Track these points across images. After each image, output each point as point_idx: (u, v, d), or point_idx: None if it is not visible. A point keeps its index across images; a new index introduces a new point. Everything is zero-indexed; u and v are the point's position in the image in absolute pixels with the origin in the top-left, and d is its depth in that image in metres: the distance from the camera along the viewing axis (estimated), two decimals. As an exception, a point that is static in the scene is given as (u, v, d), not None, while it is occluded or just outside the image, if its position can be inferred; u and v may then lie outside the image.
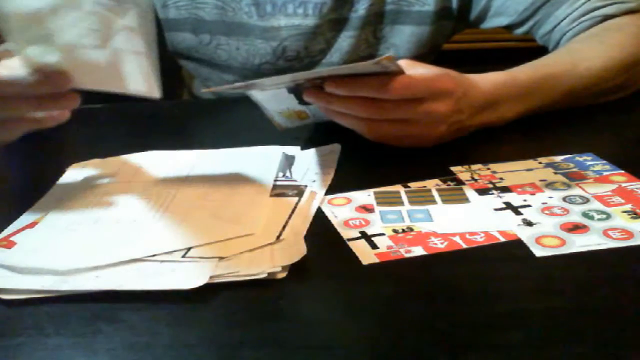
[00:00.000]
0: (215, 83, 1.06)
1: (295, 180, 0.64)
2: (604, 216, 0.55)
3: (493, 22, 0.96)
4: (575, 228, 0.53)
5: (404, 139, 0.67)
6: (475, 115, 0.70)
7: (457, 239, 0.53)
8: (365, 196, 0.61)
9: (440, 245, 0.52)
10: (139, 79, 0.63)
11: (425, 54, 0.99)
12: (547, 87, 0.76)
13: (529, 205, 0.57)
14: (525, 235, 0.53)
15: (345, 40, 0.97)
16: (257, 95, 0.70)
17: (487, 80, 0.71)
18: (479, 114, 0.70)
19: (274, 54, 0.98)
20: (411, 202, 0.59)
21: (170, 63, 1.12)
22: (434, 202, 0.59)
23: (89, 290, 0.48)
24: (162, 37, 1.03)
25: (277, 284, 0.48)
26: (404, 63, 0.64)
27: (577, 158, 0.66)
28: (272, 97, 0.70)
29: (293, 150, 0.71)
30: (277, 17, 0.96)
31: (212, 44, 1.00)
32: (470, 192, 0.60)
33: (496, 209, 0.57)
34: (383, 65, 0.59)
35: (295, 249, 0.51)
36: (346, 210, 0.59)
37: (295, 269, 0.50)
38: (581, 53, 0.81)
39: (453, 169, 0.65)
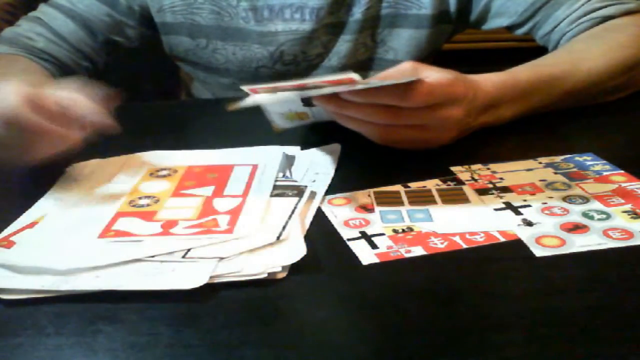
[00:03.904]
0: (213, 86, 1.07)
1: (295, 180, 0.64)
2: (604, 216, 0.55)
3: (494, 22, 0.96)
4: (575, 228, 0.53)
5: (415, 143, 0.67)
6: (478, 116, 0.70)
7: (457, 239, 0.53)
8: (365, 196, 0.61)
9: (440, 245, 0.52)
10: None
11: (425, 56, 0.99)
12: (547, 87, 0.76)
13: (529, 206, 0.57)
14: (525, 235, 0.53)
15: (343, 44, 0.97)
16: (262, 98, 0.70)
17: (489, 81, 0.71)
18: (481, 114, 0.70)
19: (271, 59, 0.98)
20: (411, 202, 0.59)
21: (168, 64, 1.12)
22: (434, 202, 0.59)
23: (89, 290, 0.48)
24: (159, 39, 1.03)
25: (277, 284, 0.48)
26: (409, 65, 0.64)
27: (577, 158, 0.66)
28: (278, 100, 0.69)
29: (293, 150, 0.71)
30: (274, 22, 0.96)
31: (208, 48, 1.00)
32: (470, 192, 0.60)
33: (496, 209, 0.57)
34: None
35: (295, 249, 0.51)
36: (346, 210, 0.59)
37: (295, 269, 0.50)
38: (582, 53, 0.81)
39: (453, 169, 0.65)
